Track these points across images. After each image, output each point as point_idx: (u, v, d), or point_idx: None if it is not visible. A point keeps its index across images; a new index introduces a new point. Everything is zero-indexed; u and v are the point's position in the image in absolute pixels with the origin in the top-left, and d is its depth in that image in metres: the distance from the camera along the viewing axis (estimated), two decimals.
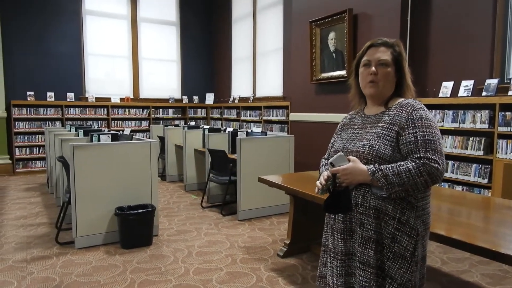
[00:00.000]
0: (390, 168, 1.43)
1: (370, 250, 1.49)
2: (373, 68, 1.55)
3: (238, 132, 5.00)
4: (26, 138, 7.62)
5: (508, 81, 3.77)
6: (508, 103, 3.55)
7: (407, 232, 1.46)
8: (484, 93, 3.80)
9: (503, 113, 3.55)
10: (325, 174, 1.58)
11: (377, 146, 1.49)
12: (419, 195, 1.49)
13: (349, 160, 1.51)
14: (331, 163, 1.53)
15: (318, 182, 1.60)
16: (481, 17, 3.97)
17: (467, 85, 3.97)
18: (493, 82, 3.76)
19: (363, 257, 1.50)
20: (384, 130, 1.51)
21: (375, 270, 1.49)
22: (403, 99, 1.57)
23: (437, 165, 1.41)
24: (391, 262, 1.47)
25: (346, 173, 1.49)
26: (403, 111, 1.51)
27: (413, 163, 1.41)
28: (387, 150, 1.48)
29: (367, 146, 1.51)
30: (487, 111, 3.67)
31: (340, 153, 1.54)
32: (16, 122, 7.51)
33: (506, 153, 3.53)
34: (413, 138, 1.45)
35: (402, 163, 1.44)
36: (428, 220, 1.54)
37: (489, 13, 3.90)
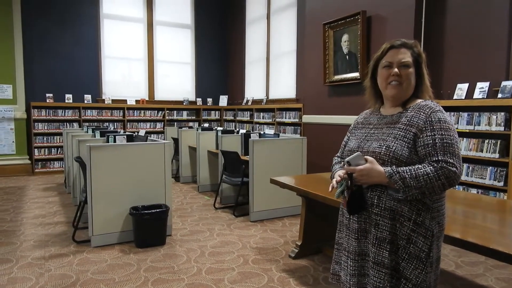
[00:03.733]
0: (407, 171, 1.42)
1: (384, 251, 1.48)
2: (396, 70, 1.53)
3: (251, 134, 5.03)
4: (45, 139, 7.81)
5: None
6: None
7: (423, 233, 1.46)
8: (499, 95, 3.74)
9: None
10: (340, 172, 1.56)
11: (394, 147, 1.48)
12: (435, 197, 1.49)
13: (366, 160, 1.49)
14: (347, 161, 1.50)
15: (334, 181, 1.58)
16: (497, 17, 3.92)
17: (482, 87, 3.92)
18: (509, 84, 3.71)
19: (377, 258, 1.50)
20: (401, 131, 1.50)
21: (389, 270, 1.48)
22: (421, 100, 1.56)
23: (455, 169, 1.40)
24: (406, 263, 1.47)
25: (362, 174, 1.48)
26: (421, 113, 1.50)
27: (431, 167, 1.40)
28: (404, 151, 1.47)
29: (384, 147, 1.50)
30: (502, 113, 3.62)
31: (358, 152, 1.53)
32: (36, 123, 7.71)
33: None
34: (431, 141, 1.44)
35: (419, 166, 1.43)
36: (443, 221, 1.53)
37: (505, 13, 3.85)
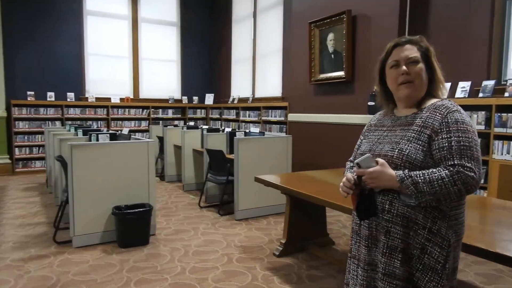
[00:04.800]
0: (421, 175, 1.32)
1: (396, 261, 1.39)
2: (404, 67, 1.43)
3: (236, 132, 5.02)
4: (26, 137, 7.64)
5: (505, 82, 3.78)
6: (504, 105, 3.57)
7: (439, 243, 1.36)
8: (480, 94, 3.81)
9: (499, 114, 3.57)
10: (349, 176, 1.47)
11: (407, 151, 1.38)
12: (453, 204, 1.38)
13: (377, 163, 1.40)
14: (357, 163, 1.41)
15: (341, 184, 1.49)
16: (479, 19, 3.98)
17: (464, 86, 3.98)
18: (490, 83, 3.77)
19: (388, 268, 1.40)
20: (415, 133, 1.40)
21: (401, 282, 1.38)
22: (437, 100, 1.46)
23: (472, 174, 1.29)
24: (421, 274, 1.37)
25: (372, 177, 1.38)
26: (437, 114, 1.39)
27: (447, 171, 1.30)
28: (418, 155, 1.36)
29: (397, 150, 1.40)
30: (483, 112, 3.68)
31: (369, 154, 1.44)
32: (16, 122, 7.53)
33: (502, 154, 3.55)
34: (447, 144, 1.33)
35: (434, 170, 1.32)
36: (461, 230, 1.43)
37: (486, 15, 3.92)
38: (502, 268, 3.01)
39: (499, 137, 3.58)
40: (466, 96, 3.93)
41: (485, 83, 3.82)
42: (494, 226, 2.04)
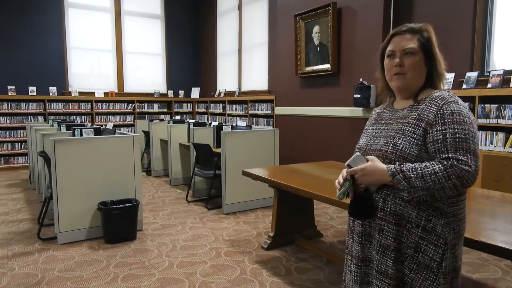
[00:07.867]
0: (413, 170, 1.27)
1: (388, 259, 1.36)
2: (397, 59, 1.39)
3: (223, 126, 4.99)
4: (7, 133, 7.46)
5: (488, 74, 3.84)
6: (487, 96, 3.62)
7: (433, 241, 1.31)
8: (464, 86, 3.86)
9: (482, 105, 3.62)
10: (344, 172, 1.44)
11: (401, 145, 1.33)
12: (451, 200, 1.32)
13: (367, 160, 1.37)
14: (348, 164, 1.39)
15: (336, 182, 1.47)
16: (462, 11, 4.02)
17: (448, 77, 4.02)
18: (473, 75, 3.82)
19: (381, 266, 1.38)
20: (410, 127, 1.35)
21: (393, 281, 1.35)
22: (435, 91, 1.39)
23: (467, 168, 1.23)
24: (415, 273, 1.33)
25: (364, 174, 1.35)
26: (433, 105, 1.34)
27: (440, 165, 1.25)
28: (412, 149, 1.32)
29: (390, 145, 1.36)
30: (467, 103, 3.72)
31: (358, 153, 1.42)
32: None
33: (485, 145, 3.61)
34: (441, 136, 1.28)
35: (427, 164, 1.27)
36: (460, 227, 1.36)
37: (469, 7, 3.95)
38: (486, 257, 3.08)
39: (482, 127, 3.63)
40: (450, 88, 3.97)
41: (468, 74, 3.87)
42: (478, 216, 2.07)
